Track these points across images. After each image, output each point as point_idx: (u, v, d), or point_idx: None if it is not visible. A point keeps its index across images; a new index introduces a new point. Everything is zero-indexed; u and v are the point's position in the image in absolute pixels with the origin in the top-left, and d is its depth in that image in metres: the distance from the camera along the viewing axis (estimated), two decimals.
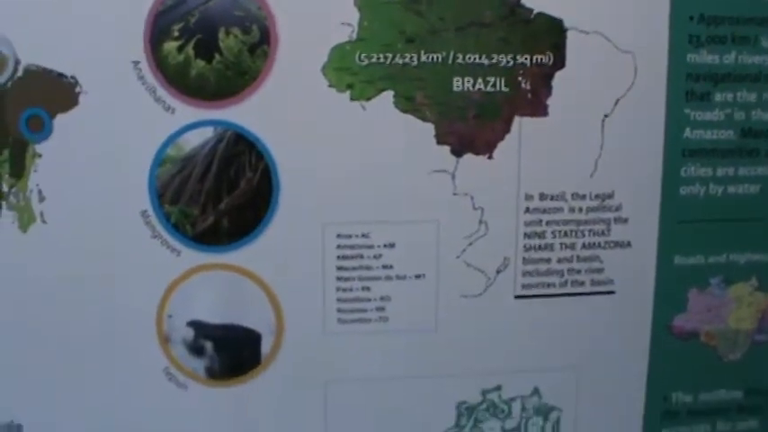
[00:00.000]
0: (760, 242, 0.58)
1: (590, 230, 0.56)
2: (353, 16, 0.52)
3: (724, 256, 0.58)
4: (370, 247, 0.55)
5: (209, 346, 0.56)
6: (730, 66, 0.55)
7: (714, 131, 0.56)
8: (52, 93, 0.52)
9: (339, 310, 0.56)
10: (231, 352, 0.56)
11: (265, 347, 0.56)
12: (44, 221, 0.53)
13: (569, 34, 0.53)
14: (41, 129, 0.52)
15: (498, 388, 0.58)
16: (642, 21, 0.54)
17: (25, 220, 0.54)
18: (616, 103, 0.55)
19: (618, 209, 0.56)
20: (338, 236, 0.55)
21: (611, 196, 0.56)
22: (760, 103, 0.56)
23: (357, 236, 0.55)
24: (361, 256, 0.55)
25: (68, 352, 0.55)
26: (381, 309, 0.56)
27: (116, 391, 0.56)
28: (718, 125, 0.56)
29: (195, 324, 0.55)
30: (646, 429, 0.60)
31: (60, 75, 0.52)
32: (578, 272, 0.57)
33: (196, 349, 0.56)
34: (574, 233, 0.56)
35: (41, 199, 0.53)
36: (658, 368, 0.59)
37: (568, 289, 0.57)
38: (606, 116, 0.55)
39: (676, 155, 0.56)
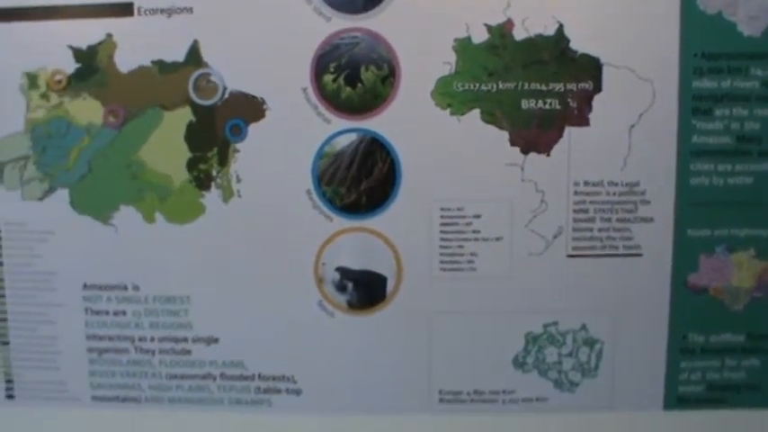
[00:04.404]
0: (756, 221, 0.65)
1: (622, 208, 0.64)
2: (452, 57, 0.62)
3: (726, 231, 0.65)
4: (464, 217, 0.64)
5: (350, 285, 0.65)
6: (727, 89, 0.62)
7: (715, 138, 0.63)
8: (248, 109, 0.63)
9: (441, 261, 0.65)
10: (365, 290, 0.65)
11: (389, 287, 0.65)
12: (239, 196, 0.64)
13: (605, 68, 0.62)
14: (240, 133, 0.63)
15: (555, 323, 0.66)
16: (659, 57, 0.62)
17: (227, 195, 0.64)
18: (640, 117, 0.62)
19: (643, 193, 0.64)
20: (441, 209, 0.64)
21: (637, 184, 0.63)
22: (751, 116, 0.63)
23: (454, 209, 0.64)
24: (457, 223, 0.64)
25: (254, 287, 0.66)
26: (471, 261, 0.65)
27: (285, 316, 0.66)
28: (718, 133, 0.63)
29: (341, 269, 0.65)
30: (669, 361, 0.67)
31: (253, 96, 0.63)
32: (613, 239, 0.64)
33: (341, 288, 0.65)
34: (610, 210, 0.64)
35: (238, 181, 0.64)
36: (677, 314, 0.66)
37: (606, 251, 0.64)
38: (633, 126, 0.62)
39: (686, 155, 0.63)
